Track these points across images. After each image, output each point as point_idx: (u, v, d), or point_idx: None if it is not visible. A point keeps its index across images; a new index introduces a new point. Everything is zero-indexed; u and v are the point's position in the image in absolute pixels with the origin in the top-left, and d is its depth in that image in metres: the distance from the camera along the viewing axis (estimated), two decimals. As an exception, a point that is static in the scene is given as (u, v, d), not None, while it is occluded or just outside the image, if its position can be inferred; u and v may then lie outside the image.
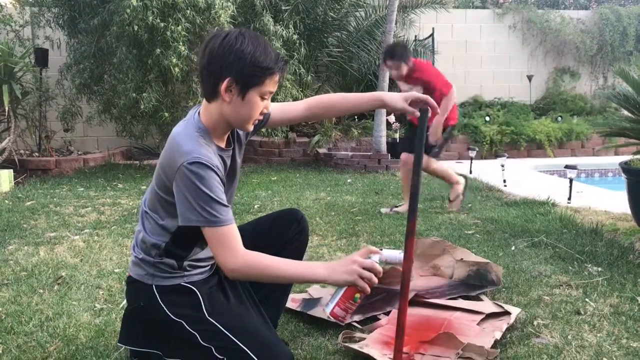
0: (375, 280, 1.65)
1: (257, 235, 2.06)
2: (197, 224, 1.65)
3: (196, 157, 1.62)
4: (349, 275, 1.64)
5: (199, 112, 1.77)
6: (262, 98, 1.71)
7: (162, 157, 1.73)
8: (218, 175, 1.66)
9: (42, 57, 6.97)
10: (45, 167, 6.56)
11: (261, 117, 1.78)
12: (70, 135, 7.52)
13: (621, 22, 9.17)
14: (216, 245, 1.67)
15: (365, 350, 1.96)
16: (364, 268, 1.64)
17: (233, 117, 1.73)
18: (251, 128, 1.80)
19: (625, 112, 4.13)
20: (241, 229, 2.11)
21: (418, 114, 1.92)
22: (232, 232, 1.67)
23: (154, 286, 1.78)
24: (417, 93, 1.93)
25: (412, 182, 1.86)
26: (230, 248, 1.66)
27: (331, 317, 1.70)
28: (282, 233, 2.05)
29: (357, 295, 1.67)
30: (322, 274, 1.66)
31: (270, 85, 1.70)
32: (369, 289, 1.65)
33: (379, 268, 1.66)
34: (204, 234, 1.67)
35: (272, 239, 2.04)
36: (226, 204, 1.67)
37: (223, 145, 1.80)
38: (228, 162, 1.83)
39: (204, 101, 1.76)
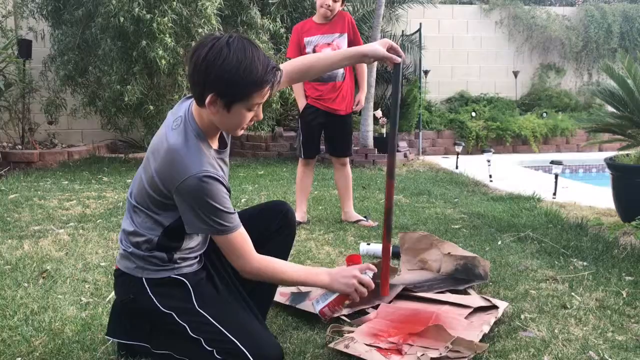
0: (366, 294, 1.87)
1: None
2: (206, 232, 1.73)
3: (203, 171, 1.62)
4: (347, 287, 1.85)
5: (191, 111, 1.74)
6: (250, 110, 1.68)
7: (161, 164, 1.67)
8: (224, 185, 1.68)
9: (25, 48, 6.86)
10: (29, 160, 6.47)
11: (251, 124, 1.77)
12: (54, 128, 7.43)
13: (606, 19, 9.25)
14: (230, 252, 1.74)
15: (349, 349, 1.96)
16: (361, 283, 1.84)
17: (220, 125, 1.73)
18: (240, 133, 1.78)
19: (610, 108, 4.18)
20: None
21: (398, 59, 2.03)
22: (241, 237, 1.73)
23: (143, 279, 1.77)
24: (389, 40, 2.06)
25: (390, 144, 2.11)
26: (243, 255, 1.74)
27: (319, 314, 1.95)
28: (266, 226, 2.02)
29: (346, 302, 1.94)
30: (325, 281, 1.86)
31: (258, 98, 1.65)
32: (359, 300, 1.90)
33: (373, 285, 1.89)
34: (215, 240, 1.75)
35: (256, 231, 2.01)
36: (232, 210, 1.71)
37: (216, 145, 1.79)
38: (227, 161, 1.85)
39: (195, 103, 1.73)
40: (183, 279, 1.78)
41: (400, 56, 2.04)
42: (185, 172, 1.62)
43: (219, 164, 1.75)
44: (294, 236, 2.13)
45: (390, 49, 2.01)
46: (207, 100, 1.63)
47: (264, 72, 1.62)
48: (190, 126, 1.70)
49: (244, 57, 1.59)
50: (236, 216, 1.71)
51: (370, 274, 1.88)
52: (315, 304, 1.94)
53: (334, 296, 1.89)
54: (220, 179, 1.66)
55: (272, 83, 1.65)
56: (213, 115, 1.67)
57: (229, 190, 1.72)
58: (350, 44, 3.77)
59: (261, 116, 1.75)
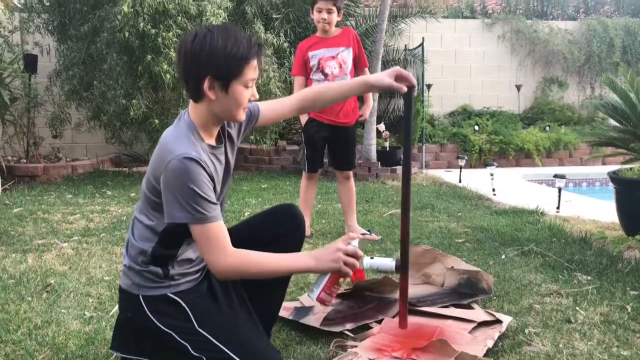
0: (357, 264, 1.77)
1: (250, 231, 2.02)
2: (183, 220, 1.66)
3: (185, 152, 1.64)
4: (334, 263, 1.74)
5: (188, 111, 1.80)
6: (246, 87, 1.74)
7: (153, 159, 1.74)
8: (206, 172, 1.68)
9: (31, 63, 6.92)
10: (33, 174, 6.50)
11: (250, 102, 1.80)
12: (59, 142, 7.46)
13: (608, 33, 9.27)
14: (204, 244, 1.68)
15: None
16: (346, 254, 1.74)
17: (222, 112, 1.76)
18: (243, 117, 1.81)
19: (613, 122, 4.18)
20: (236, 228, 2.08)
21: (405, 89, 2.01)
22: (219, 229, 1.69)
23: (140, 296, 1.76)
24: (400, 68, 2.04)
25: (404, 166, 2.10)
26: (218, 247, 1.68)
27: (317, 302, 1.82)
28: (275, 230, 2.01)
29: (341, 280, 1.80)
30: (310, 264, 1.77)
31: (250, 73, 1.72)
32: (352, 274, 1.77)
33: (360, 252, 1.78)
34: (192, 232, 1.69)
35: (264, 235, 2.00)
36: (213, 200, 1.68)
37: (213, 142, 1.81)
38: (222, 159, 1.84)
39: (191, 101, 1.78)
40: (179, 300, 1.76)
41: (411, 83, 2.02)
42: (170, 155, 1.65)
43: (210, 158, 1.76)
44: (303, 241, 2.10)
45: (399, 78, 2.00)
46: (204, 87, 1.68)
47: (249, 45, 1.70)
48: (184, 121, 1.76)
49: (227, 36, 1.68)
50: (217, 208, 1.70)
51: (355, 242, 1.79)
52: (310, 294, 1.83)
53: (326, 278, 1.79)
54: (202, 163, 1.66)
55: (259, 56, 1.73)
56: (214, 102, 1.72)
57: (212, 180, 1.71)
58: (354, 59, 3.81)
59: (257, 95, 1.79)
